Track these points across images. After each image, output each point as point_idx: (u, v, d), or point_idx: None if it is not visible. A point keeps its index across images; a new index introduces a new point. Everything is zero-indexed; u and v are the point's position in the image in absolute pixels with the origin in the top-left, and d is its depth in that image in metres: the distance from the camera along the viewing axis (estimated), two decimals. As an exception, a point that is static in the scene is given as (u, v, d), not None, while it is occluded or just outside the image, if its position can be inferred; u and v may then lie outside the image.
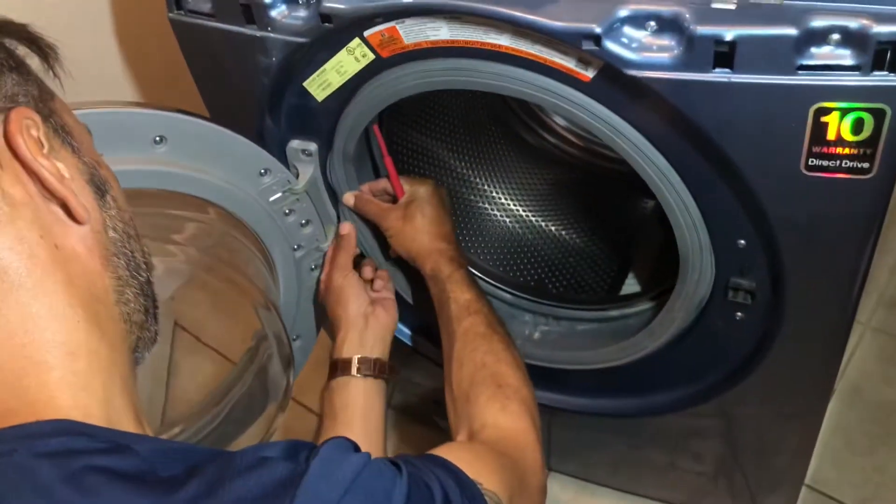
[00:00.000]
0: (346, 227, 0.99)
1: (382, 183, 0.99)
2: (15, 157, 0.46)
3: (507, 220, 1.30)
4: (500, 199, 1.31)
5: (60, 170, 0.49)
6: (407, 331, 1.14)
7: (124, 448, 0.44)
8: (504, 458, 0.65)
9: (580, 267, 1.27)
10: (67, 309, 0.47)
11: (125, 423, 0.48)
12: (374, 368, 0.90)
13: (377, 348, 0.92)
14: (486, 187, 1.30)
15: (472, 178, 1.29)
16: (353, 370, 0.89)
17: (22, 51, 0.52)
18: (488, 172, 1.30)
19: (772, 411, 0.90)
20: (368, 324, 0.93)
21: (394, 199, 0.98)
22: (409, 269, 1.04)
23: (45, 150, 0.48)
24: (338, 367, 0.90)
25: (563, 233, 1.31)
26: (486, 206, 1.30)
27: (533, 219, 1.31)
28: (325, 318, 1.05)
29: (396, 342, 1.02)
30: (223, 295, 0.98)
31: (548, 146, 1.35)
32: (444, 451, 0.57)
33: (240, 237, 0.94)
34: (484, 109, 1.31)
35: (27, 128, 0.47)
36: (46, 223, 0.48)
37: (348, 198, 0.99)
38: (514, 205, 1.31)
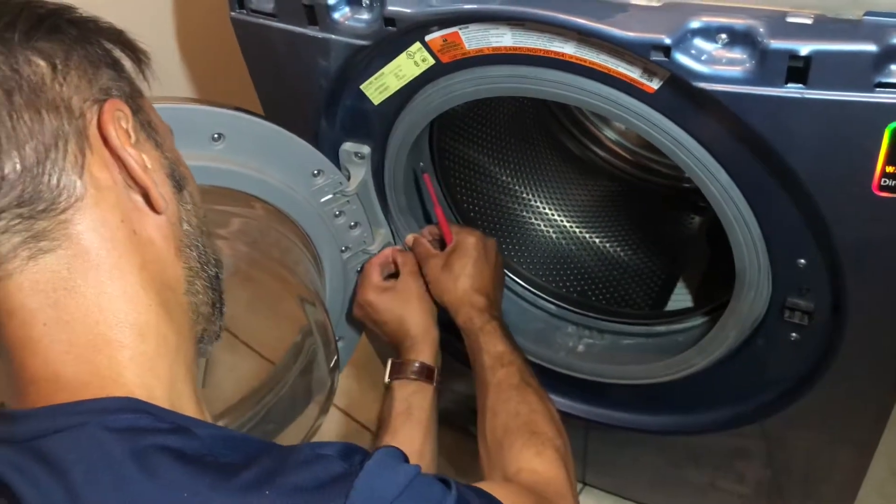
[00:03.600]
0: (409, 239, 1.03)
1: (439, 229, 1.02)
2: (105, 145, 0.49)
3: (551, 230, 1.29)
4: (543, 209, 1.30)
5: (145, 160, 0.51)
6: None
7: (185, 430, 0.46)
8: (542, 500, 0.65)
9: (624, 280, 1.25)
10: (140, 291, 0.49)
11: (186, 407, 0.51)
12: (440, 381, 0.93)
13: (438, 362, 0.94)
14: (530, 198, 1.30)
15: (516, 189, 1.29)
16: (434, 381, 0.91)
17: (117, 53, 0.54)
18: (533, 183, 1.30)
19: (823, 436, 0.88)
20: (438, 344, 0.95)
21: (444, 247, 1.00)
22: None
23: (132, 141, 0.50)
24: (418, 370, 0.91)
25: (607, 245, 1.30)
26: (530, 216, 1.29)
27: (577, 230, 1.31)
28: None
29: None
30: (267, 290, 0.99)
31: (594, 158, 1.34)
32: (486, 486, 0.57)
33: (289, 235, 0.94)
34: (530, 120, 1.31)
35: (118, 118, 0.50)
36: (127, 209, 0.50)
37: (409, 238, 1.02)
38: (558, 216, 1.31)
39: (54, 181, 0.46)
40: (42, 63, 0.48)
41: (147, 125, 0.55)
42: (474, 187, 1.21)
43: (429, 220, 1.06)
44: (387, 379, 0.93)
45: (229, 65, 1.02)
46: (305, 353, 1.01)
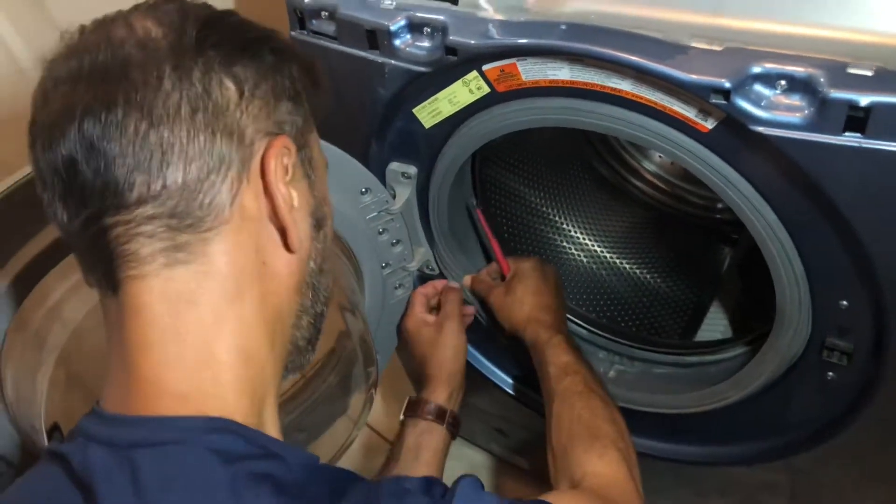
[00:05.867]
0: (466, 280, 1.07)
1: (494, 265, 1.06)
2: (262, 177, 0.51)
3: (583, 255, 1.31)
4: (576, 235, 1.32)
5: (293, 198, 0.53)
6: (510, 380, 1.16)
7: (277, 456, 0.48)
8: (608, 502, 0.67)
9: (654, 308, 1.27)
10: (254, 320, 0.51)
11: (272, 434, 0.52)
12: (455, 427, 0.95)
13: (457, 409, 0.97)
14: (562, 223, 1.31)
15: (549, 214, 1.30)
16: (445, 422, 0.93)
17: (300, 86, 0.56)
18: (566, 209, 1.32)
19: (856, 474, 0.89)
20: (461, 385, 0.98)
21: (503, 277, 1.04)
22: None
23: (287, 178, 0.52)
24: (430, 411, 0.93)
25: (638, 272, 1.32)
26: (563, 241, 1.31)
27: (608, 256, 1.32)
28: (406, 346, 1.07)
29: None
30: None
31: (628, 187, 1.36)
32: (552, 498, 0.59)
33: (334, 248, 0.96)
34: (566, 147, 1.33)
35: (281, 155, 0.51)
36: (263, 241, 0.52)
37: (466, 279, 1.06)
38: (591, 241, 1.32)
39: (207, 200, 0.48)
40: (232, 88, 0.50)
41: (308, 162, 0.56)
42: (509, 211, 1.23)
43: (474, 246, 1.09)
44: (401, 416, 0.95)
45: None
46: (342, 361, 1.03)
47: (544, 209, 1.30)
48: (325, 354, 1.08)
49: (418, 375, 1.01)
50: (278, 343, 0.54)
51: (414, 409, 0.94)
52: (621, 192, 1.35)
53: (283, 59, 0.54)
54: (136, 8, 0.52)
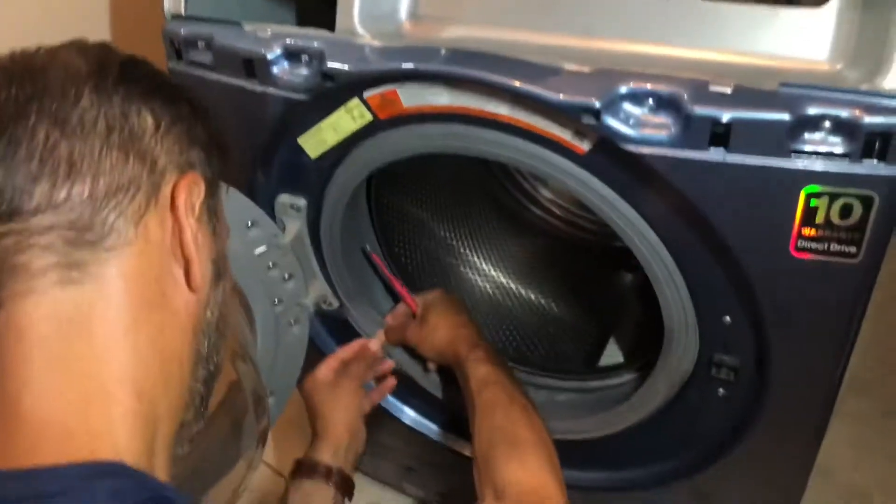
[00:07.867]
0: (374, 344, 1.04)
1: (401, 307, 1.05)
2: (171, 208, 0.50)
3: (487, 285, 1.31)
4: (480, 264, 1.31)
5: (199, 235, 0.52)
6: (436, 427, 1.14)
7: (168, 501, 0.44)
8: None
9: (558, 336, 1.27)
10: (149, 353, 0.48)
11: (163, 478, 0.49)
12: (345, 485, 0.92)
13: (350, 467, 0.95)
14: (467, 253, 1.31)
15: (453, 244, 1.30)
16: (331, 481, 0.90)
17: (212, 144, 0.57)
18: (470, 238, 1.31)
19: (750, 492, 0.89)
20: (354, 440, 0.96)
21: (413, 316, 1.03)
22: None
23: (195, 215, 0.51)
24: (317, 469, 0.91)
25: (542, 301, 1.32)
26: (468, 270, 1.30)
27: (512, 286, 1.32)
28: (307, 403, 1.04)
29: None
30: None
31: (530, 216, 1.37)
32: None
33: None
34: (468, 176, 1.33)
35: (192, 191, 0.51)
36: (164, 273, 0.50)
37: (380, 334, 1.05)
38: (495, 271, 1.32)
39: (111, 219, 0.46)
40: (150, 119, 0.50)
41: (213, 212, 0.56)
42: (412, 241, 1.22)
43: (371, 279, 1.08)
44: (288, 478, 0.93)
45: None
46: (235, 409, 0.99)
47: (448, 238, 1.29)
48: (217, 403, 1.03)
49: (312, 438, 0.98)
50: (173, 387, 0.51)
51: (299, 469, 0.91)
52: (522, 220, 1.36)
53: (198, 113, 0.55)
54: (60, 44, 0.52)
